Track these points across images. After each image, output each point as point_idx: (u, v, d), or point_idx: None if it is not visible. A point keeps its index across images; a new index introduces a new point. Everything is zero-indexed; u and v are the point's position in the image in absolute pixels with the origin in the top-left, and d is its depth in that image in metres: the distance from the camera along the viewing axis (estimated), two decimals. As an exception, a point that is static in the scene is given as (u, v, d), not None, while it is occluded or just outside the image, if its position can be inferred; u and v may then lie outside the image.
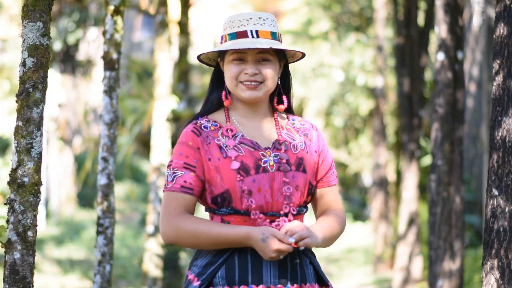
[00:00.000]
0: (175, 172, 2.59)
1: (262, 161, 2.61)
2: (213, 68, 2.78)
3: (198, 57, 2.72)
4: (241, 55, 2.62)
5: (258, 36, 2.61)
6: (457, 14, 5.16)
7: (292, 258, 2.61)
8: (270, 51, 2.63)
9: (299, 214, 2.65)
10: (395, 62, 9.82)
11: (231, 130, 2.65)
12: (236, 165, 2.58)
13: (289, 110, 2.78)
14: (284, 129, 2.71)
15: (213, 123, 2.66)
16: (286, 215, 2.60)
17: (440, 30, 5.14)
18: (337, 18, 14.61)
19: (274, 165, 2.61)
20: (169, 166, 2.61)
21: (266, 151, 2.63)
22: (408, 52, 9.11)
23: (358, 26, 14.45)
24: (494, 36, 3.00)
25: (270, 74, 2.63)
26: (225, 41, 2.64)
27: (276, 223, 2.58)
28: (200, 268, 2.62)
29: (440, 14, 5.13)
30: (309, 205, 2.77)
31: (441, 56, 5.12)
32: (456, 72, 5.15)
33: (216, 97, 2.71)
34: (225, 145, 2.61)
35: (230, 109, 2.71)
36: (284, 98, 2.72)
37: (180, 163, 2.59)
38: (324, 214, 2.74)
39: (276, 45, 2.61)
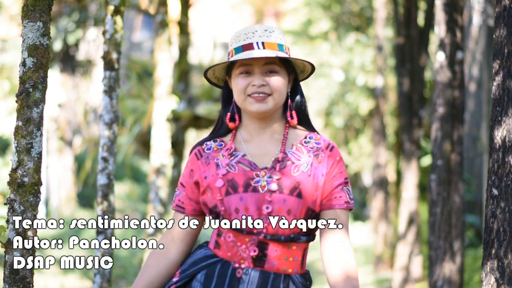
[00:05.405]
0: (175, 191, 2.68)
1: (254, 180, 2.53)
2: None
3: (205, 75, 2.65)
4: (247, 68, 2.56)
5: (264, 47, 2.54)
6: (456, 14, 5.15)
7: (276, 281, 2.52)
8: (277, 62, 2.57)
9: (293, 241, 2.53)
10: (395, 62, 9.81)
11: (229, 149, 2.60)
12: (220, 183, 2.54)
13: (308, 127, 2.66)
14: (293, 147, 2.59)
15: (220, 143, 2.64)
16: (259, 234, 2.51)
17: (440, 30, 5.13)
18: (337, 18, 14.60)
19: (266, 186, 2.52)
20: None
21: (262, 171, 2.55)
22: (408, 52, 9.10)
23: (358, 26, 14.44)
24: (494, 36, 3.00)
25: (278, 86, 2.55)
26: (232, 56, 2.58)
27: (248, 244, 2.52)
28: (186, 265, 2.63)
29: (440, 14, 5.13)
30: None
31: (441, 56, 5.12)
32: (456, 72, 5.14)
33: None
34: (221, 164, 2.59)
35: (240, 128, 2.64)
36: (294, 113, 2.62)
37: (179, 183, 2.68)
38: (337, 255, 2.52)
39: (283, 56, 2.56)
